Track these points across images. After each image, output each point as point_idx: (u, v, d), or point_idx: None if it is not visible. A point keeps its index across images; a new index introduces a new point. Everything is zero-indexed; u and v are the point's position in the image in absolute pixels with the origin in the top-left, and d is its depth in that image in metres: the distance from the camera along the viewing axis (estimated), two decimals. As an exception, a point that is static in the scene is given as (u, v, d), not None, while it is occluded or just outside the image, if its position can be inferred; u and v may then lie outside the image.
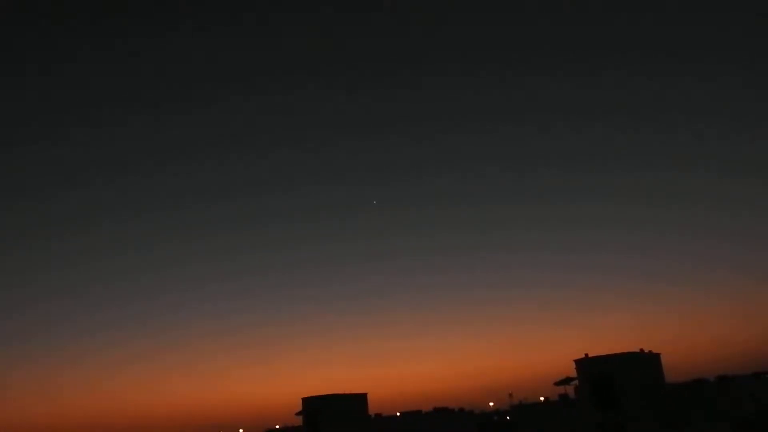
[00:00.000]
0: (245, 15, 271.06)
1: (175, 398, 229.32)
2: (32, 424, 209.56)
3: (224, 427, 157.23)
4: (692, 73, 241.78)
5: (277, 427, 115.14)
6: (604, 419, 71.56)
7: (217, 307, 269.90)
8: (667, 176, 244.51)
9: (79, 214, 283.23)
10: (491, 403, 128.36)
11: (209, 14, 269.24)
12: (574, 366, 76.39)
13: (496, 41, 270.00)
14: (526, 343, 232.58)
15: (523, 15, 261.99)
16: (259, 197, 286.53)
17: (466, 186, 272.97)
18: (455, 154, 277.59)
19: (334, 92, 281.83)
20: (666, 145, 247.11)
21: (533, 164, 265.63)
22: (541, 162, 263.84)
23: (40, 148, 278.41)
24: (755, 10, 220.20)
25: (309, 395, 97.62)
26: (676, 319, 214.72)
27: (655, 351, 76.93)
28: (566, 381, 78.53)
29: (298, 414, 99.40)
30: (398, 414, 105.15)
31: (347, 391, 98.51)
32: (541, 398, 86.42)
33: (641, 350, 75.18)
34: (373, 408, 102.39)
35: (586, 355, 75.38)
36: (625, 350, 73.13)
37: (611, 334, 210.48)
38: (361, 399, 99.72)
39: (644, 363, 74.01)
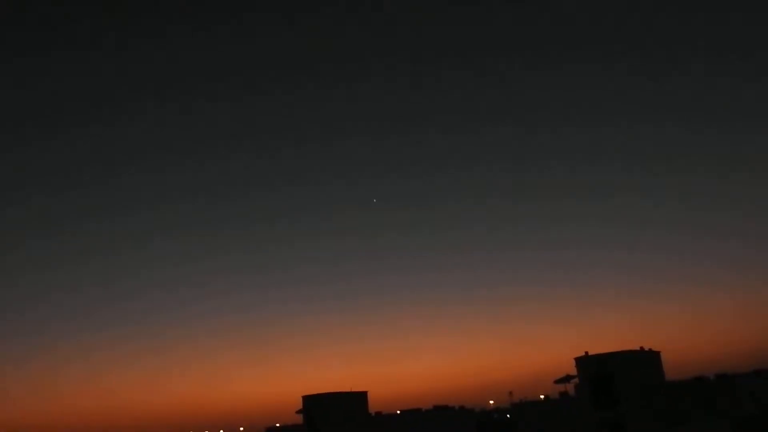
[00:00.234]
0: (245, 15, 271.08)
1: (175, 396, 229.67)
2: (32, 422, 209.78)
3: (225, 425, 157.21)
4: (692, 72, 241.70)
5: (278, 425, 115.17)
6: (604, 417, 71.53)
7: (218, 305, 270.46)
8: (667, 176, 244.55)
9: (78, 213, 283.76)
10: (491, 401, 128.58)
11: (209, 13, 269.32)
12: (574, 364, 76.28)
13: (496, 41, 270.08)
14: (526, 341, 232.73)
15: (523, 15, 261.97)
16: (259, 196, 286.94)
17: (466, 185, 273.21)
18: (455, 154, 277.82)
19: (334, 92, 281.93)
20: (666, 144, 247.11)
21: (533, 163, 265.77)
22: (540, 161, 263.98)
23: (40, 148, 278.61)
24: (755, 9, 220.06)
25: (309, 393, 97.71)
26: (677, 318, 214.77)
27: (655, 349, 76.80)
28: (566, 379, 78.46)
29: (298, 412, 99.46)
30: (398, 412, 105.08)
31: (347, 389, 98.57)
32: (541, 396, 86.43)
33: (641, 348, 75.06)
34: (373, 406, 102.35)
35: (586, 353, 75.29)
36: (626, 348, 73.04)
37: (611, 332, 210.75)
38: (361, 397, 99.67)
39: (644, 361, 73.91)
